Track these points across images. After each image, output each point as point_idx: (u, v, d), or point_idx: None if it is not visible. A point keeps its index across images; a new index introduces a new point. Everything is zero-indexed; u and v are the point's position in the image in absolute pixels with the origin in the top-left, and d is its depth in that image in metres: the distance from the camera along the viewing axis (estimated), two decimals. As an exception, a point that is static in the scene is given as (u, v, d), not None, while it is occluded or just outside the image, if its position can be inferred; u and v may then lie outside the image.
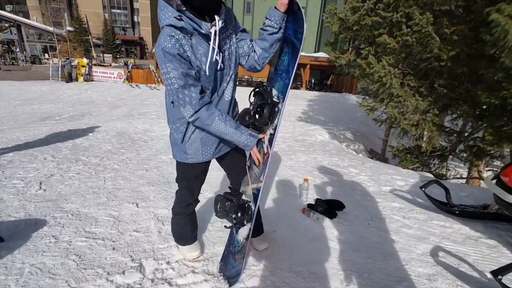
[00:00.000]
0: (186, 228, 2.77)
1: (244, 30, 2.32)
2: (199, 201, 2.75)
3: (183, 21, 1.87)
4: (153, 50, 34.67)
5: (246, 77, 31.70)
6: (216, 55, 2.04)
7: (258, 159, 2.37)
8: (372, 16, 8.78)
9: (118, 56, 56.41)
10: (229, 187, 2.71)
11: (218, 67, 2.12)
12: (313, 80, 33.79)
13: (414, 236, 3.59)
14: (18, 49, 43.60)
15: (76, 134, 7.47)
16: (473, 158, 8.07)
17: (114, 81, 26.33)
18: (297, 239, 3.35)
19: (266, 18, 2.21)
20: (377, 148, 13.54)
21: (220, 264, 2.79)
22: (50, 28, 40.04)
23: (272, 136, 2.41)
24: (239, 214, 2.34)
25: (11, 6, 41.39)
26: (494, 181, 3.51)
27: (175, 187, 4.43)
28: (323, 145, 9.58)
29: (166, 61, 1.92)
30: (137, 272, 2.63)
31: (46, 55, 48.28)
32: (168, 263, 2.78)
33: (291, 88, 2.29)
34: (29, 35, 48.39)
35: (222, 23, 2.00)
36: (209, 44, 2.00)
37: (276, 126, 2.37)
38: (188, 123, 2.25)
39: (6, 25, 37.06)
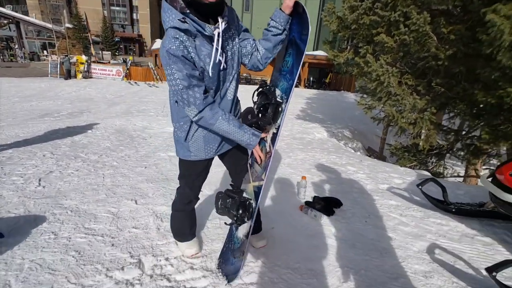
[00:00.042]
0: (185, 225, 2.80)
1: (246, 30, 2.35)
2: (199, 198, 2.77)
3: (187, 23, 1.90)
4: (152, 48, 34.68)
5: (244, 74, 31.72)
6: (219, 55, 2.06)
7: (260, 157, 2.39)
8: (370, 15, 8.80)
9: (117, 54, 56.19)
10: (231, 185, 2.74)
11: (221, 67, 2.14)
12: (311, 78, 33.81)
13: (410, 234, 3.61)
14: (16, 46, 43.50)
15: (75, 131, 7.47)
16: (470, 157, 8.11)
17: (113, 78, 26.28)
18: (295, 236, 3.38)
19: (271, 19, 2.23)
20: (375, 146, 13.56)
21: (218, 261, 2.81)
22: (49, 25, 39.95)
23: (274, 136, 2.43)
24: (240, 212, 2.36)
25: (11, 6, 41.21)
26: (490, 179, 3.54)
27: (174, 184, 4.47)
28: (321, 143, 9.59)
29: (171, 62, 1.94)
30: (136, 268, 2.65)
31: (45, 52, 48.20)
32: (166, 259, 2.80)
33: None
34: (28, 32, 48.29)
35: (225, 24, 2.02)
36: (213, 45, 2.02)
37: (279, 126, 2.40)
38: (192, 121, 2.27)
39: (5, 21, 36.98)
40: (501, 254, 3.27)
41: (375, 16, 8.54)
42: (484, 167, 8.98)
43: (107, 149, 6.23)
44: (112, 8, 65.43)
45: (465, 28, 6.31)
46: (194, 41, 1.99)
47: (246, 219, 2.42)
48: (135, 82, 25.65)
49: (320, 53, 30.42)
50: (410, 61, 8.79)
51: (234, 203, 2.38)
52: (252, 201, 2.50)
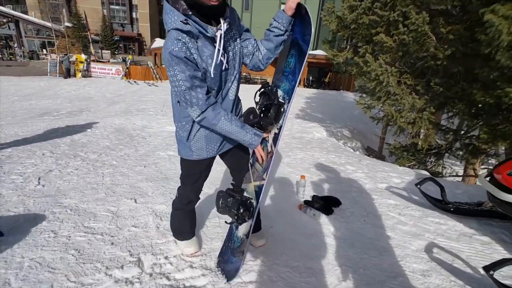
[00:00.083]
0: (185, 224, 2.81)
1: (247, 30, 2.36)
2: (199, 198, 2.79)
3: (189, 25, 1.91)
4: (151, 47, 34.65)
5: (244, 74, 31.71)
6: (221, 56, 2.08)
7: (262, 157, 2.40)
8: (370, 15, 8.78)
9: (116, 52, 56.23)
10: (232, 184, 2.76)
11: (223, 67, 2.15)
12: (311, 78, 33.80)
13: (409, 233, 3.63)
14: (16, 45, 43.44)
15: (74, 130, 7.47)
16: (468, 156, 8.12)
17: (112, 77, 26.26)
18: (294, 235, 3.39)
19: (274, 20, 2.26)
20: (374, 145, 13.59)
21: (218, 259, 2.82)
22: (49, 24, 39.89)
23: (276, 136, 2.45)
24: (241, 211, 2.37)
25: (11, 6, 41.18)
26: (488, 178, 3.56)
27: (173, 183, 4.48)
28: (321, 143, 9.61)
29: (174, 64, 1.95)
30: (135, 266, 2.66)
31: (44, 50, 48.16)
32: (166, 258, 2.81)
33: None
34: (27, 31, 48.26)
35: (227, 25, 2.04)
36: (215, 46, 2.04)
37: (281, 126, 2.41)
38: (193, 121, 2.29)
39: (4, 20, 36.94)
40: (498, 253, 3.28)
41: (374, 15, 8.53)
42: (482, 166, 9.00)
43: (106, 148, 6.24)
44: (112, 7, 65.46)
45: (463, 28, 6.31)
46: (196, 42, 2.00)
47: (246, 218, 2.43)
48: (135, 81, 25.65)
49: (319, 52, 30.41)
50: (409, 60, 8.80)
51: (235, 202, 2.39)
52: (253, 201, 2.51)
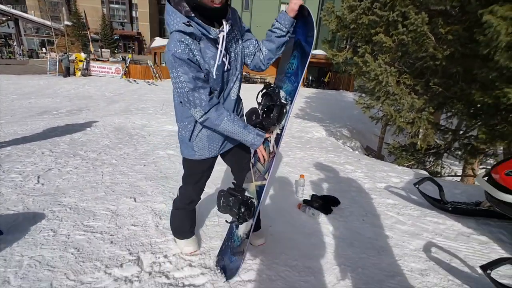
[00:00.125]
0: (185, 223, 2.83)
1: (248, 30, 2.37)
2: (200, 198, 2.80)
3: (192, 26, 1.92)
4: (151, 46, 34.62)
5: (244, 73, 31.61)
6: (223, 57, 2.09)
7: (264, 157, 2.41)
8: (369, 15, 8.81)
9: (116, 51, 56.24)
10: (233, 183, 2.78)
11: (225, 68, 2.16)
12: (310, 77, 33.84)
13: (407, 232, 3.64)
14: (15, 43, 43.38)
15: (74, 129, 7.47)
16: (467, 156, 8.14)
17: (112, 76, 26.23)
18: (293, 234, 3.40)
19: (276, 21, 2.27)
20: (373, 145, 13.61)
21: (217, 258, 2.83)
22: (48, 22, 39.81)
23: (278, 136, 2.47)
24: (242, 210, 2.37)
25: (11, 6, 41.17)
26: (486, 178, 3.57)
27: (173, 182, 4.48)
28: (320, 142, 9.62)
29: (177, 65, 1.96)
30: (134, 265, 2.67)
31: (44, 49, 48.09)
32: (165, 256, 2.81)
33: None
34: (27, 29, 48.21)
35: (229, 27, 2.05)
36: (217, 48, 2.05)
37: (283, 127, 2.43)
38: (196, 121, 2.30)
39: (4, 18, 36.90)
40: (496, 252, 3.30)
41: (373, 16, 8.55)
42: (481, 166, 9.02)
43: (106, 147, 6.24)
44: (112, 5, 65.44)
45: (462, 28, 6.33)
46: (199, 44, 2.01)
47: (247, 218, 2.44)
48: (134, 80, 25.61)
49: (319, 52, 30.38)
50: (408, 61, 8.82)
51: (236, 201, 2.40)
52: (254, 200, 2.52)
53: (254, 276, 2.63)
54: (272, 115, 2.36)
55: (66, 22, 44.02)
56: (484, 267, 2.52)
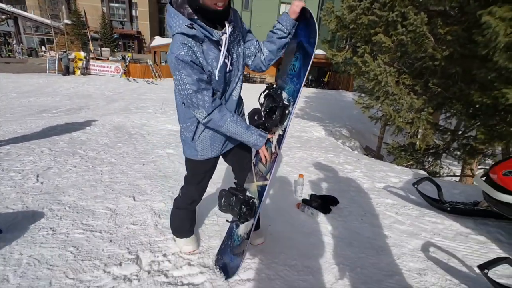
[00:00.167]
0: (185, 222, 2.83)
1: (249, 31, 2.39)
2: (202, 198, 2.81)
3: (195, 29, 1.93)
4: (151, 45, 34.59)
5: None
6: (225, 58, 2.10)
7: (266, 157, 2.42)
8: (369, 15, 8.82)
9: (115, 50, 56.21)
10: (235, 183, 2.79)
11: (227, 69, 2.17)
12: (310, 77, 33.83)
13: (406, 232, 3.65)
14: (14, 42, 43.31)
15: (73, 128, 7.46)
16: (466, 156, 8.16)
17: (112, 75, 26.23)
18: (292, 233, 3.41)
19: (278, 22, 2.29)
20: (372, 145, 13.62)
21: (216, 257, 2.84)
22: (48, 21, 39.72)
23: (281, 137, 2.48)
24: (244, 210, 2.39)
25: (11, 6, 41.06)
26: (484, 178, 3.58)
27: (172, 181, 4.49)
28: (319, 142, 9.62)
29: (180, 68, 1.97)
30: (133, 264, 2.67)
31: (43, 47, 48.04)
32: (164, 255, 2.82)
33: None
34: (26, 28, 48.08)
35: (231, 29, 2.06)
36: (219, 49, 2.06)
37: (285, 128, 2.45)
38: (198, 122, 2.31)
39: (3, 17, 36.85)
40: (494, 252, 3.31)
41: (373, 16, 8.56)
42: (479, 166, 9.03)
43: (105, 145, 6.24)
44: (111, 4, 65.38)
45: (461, 29, 6.35)
46: (202, 45, 2.02)
47: (249, 218, 2.45)
48: (134, 79, 25.63)
49: (318, 52, 30.32)
50: (408, 61, 8.83)
51: (238, 201, 2.41)
52: (255, 200, 2.53)
53: (253, 275, 2.64)
54: (274, 116, 2.38)
55: (66, 21, 43.95)
56: (481, 267, 2.53)
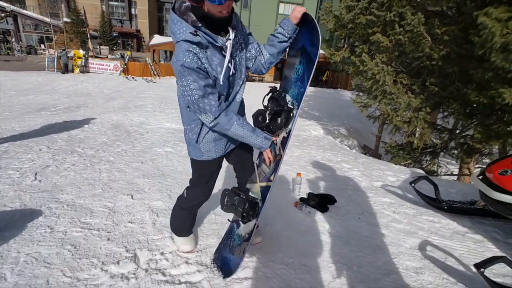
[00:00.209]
0: (186, 222, 2.83)
1: (250, 34, 2.40)
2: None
3: (199, 36, 1.95)
4: (150, 43, 34.53)
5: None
6: (229, 62, 2.12)
7: (269, 159, 2.45)
8: (366, 14, 8.87)
9: (114, 48, 56.02)
10: (238, 183, 2.82)
11: (230, 73, 2.19)
12: (308, 76, 33.80)
13: (403, 231, 3.66)
14: (14, 39, 43.22)
15: (72, 126, 7.45)
16: (463, 155, 8.18)
17: (110, 73, 26.19)
18: (289, 232, 3.41)
19: (280, 26, 2.33)
20: (370, 144, 13.63)
21: (214, 256, 2.84)
22: (47, 19, 39.67)
23: (285, 140, 2.50)
24: (248, 210, 2.40)
25: (11, 4, 40.93)
26: (480, 177, 3.59)
27: (170, 179, 4.50)
28: (317, 140, 9.63)
29: (186, 74, 1.98)
30: (131, 262, 2.68)
31: (42, 45, 47.93)
32: (162, 254, 2.83)
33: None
34: (26, 26, 47.96)
35: (234, 34, 2.09)
36: (223, 54, 2.09)
37: (289, 131, 2.46)
38: (202, 124, 2.32)
39: (2, 15, 36.75)
40: (491, 251, 3.33)
41: (371, 16, 8.62)
42: (477, 165, 9.05)
43: (103, 144, 6.24)
44: (111, 3, 65.18)
45: (458, 29, 6.38)
46: (206, 52, 2.04)
47: (251, 218, 2.46)
48: (133, 77, 25.58)
49: (317, 51, 30.42)
50: (405, 60, 8.87)
51: (241, 201, 2.42)
52: (258, 201, 2.54)
53: (250, 273, 2.65)
54: (279, 119, 2.42)
55: (65, 19, 43.85)
56: (477, 266, 2.54)
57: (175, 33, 1.99)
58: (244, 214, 2.39)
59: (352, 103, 10.87)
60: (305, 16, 2.25)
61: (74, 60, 25.35)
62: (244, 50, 2.32)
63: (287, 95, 2.55)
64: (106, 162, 5.15)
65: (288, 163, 6.03)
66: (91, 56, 28.34)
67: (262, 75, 32.29)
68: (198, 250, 2.92)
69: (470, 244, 3.42)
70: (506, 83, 5.23)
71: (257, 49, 2.43)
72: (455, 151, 8.44)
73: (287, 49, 2.53)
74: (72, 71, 25.11)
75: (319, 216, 3.83)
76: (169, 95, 16.57)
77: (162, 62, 31.60)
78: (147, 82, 24.18)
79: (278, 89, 2.62)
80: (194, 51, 1.97)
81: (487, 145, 6.77)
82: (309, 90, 27.89)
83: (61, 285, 2.35)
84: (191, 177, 2.72)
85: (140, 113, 10.23)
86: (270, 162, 2.47)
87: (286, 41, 2.35)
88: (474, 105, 6.61)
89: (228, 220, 2.66)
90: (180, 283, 2.49)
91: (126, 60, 27.42)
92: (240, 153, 2.71)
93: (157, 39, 34.37)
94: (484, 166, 3.81)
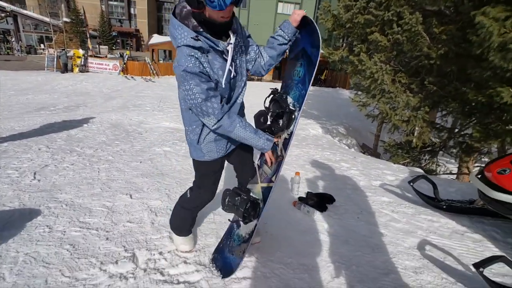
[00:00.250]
0: (186, 222, 2.84)
1: (249, 36, 2.41)
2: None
3: (200, 41, 1.96)
4: (149, 42, 34.50)
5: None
6: (230, 66, 2.13)
7: (271, 160, 2.46)
8: (365, 14, 8.88)
9: (114, 48, 55.93)
10: (239, 183, 2.83)
11: (232, 76, 2.20)
12: (307, 75, 33.80)
13: (402, 230, 3.66)
14: (13, 39, 43.17)
15: (71, 125, 7.46)
16: (462, 154, 8.19)
17: (110, 73, 26.14)
18: (288, 231, 3.42)
19: (280, 28, 2.36)
20: (369, 143, 13.62)
21: (213, 256, 2.84)
22: (47, 19, 39.61)
23: (287, 141, 2.50)
24: (249, 210, 2.41)
25: (11, 4, 40.87)
26: (479, 176, 3.59)
27: (169, 179, 4.49)
28: (316, 139, 9.64)
29: (188, 78, 2.00)
30: (130, 262, 2.68)
31: (42, 45, 47.87)
32: (160, 253, 2.83)
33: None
34: (25, 25, 47.88)
35: (235, 38, 2.10)
36: (224, 58, 2.10)
37: (291, 132, 2.47)
38: (203, 125, 2.32)
39: (3, 15, 36.70)
40: (490, 250, 3.33)
41: (369, 15, 8.63)
42: (476, 164, 9.05)
43: (102, 143, 6.24)
44: (110, 2, 65.20)
45: (456, 28, 6.39)
46: (207, 56, 2.05)
47: (253, 218, 2.46)
48: (132, 77, 25.53)
49: (316, 50, 30.39)
50: (404, 59, 8.90)
51: (243, 201, 2.42)
52: (259, 201, 2.55)
53: (249, 273, 2.65)
54: (281, 121, 2.44)
55: (65, 19, 43.76)
56: (476, 265, 2.54)
57: (176, 38, 1.99)
58: (245, 214, 2.40)
59: (350, 102, 10.87)
60: (304, 19, 2.28)
61: (73, 59, 25.33)
62: (244, 53, 2.33)
63: (288, 96, 2.56)
64: (105, 161, 5.15)
65: (286, 162, 6.02)
66: (91, 56, 28.29)
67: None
68: (197, 250, 2.93)
69: (469, 244, 3.42)
70: (504, 82, 5.25)
71: (257, 51, 2.44)
72: (454, 150, 8.46)
73: (288, 51, 2.54)
74: (72, 70, 25.08)
75: (317, 215, 3.83)
76: (168, 94, 16.55)
77: (161, 62, 31.57)
78: (146, 81, 24.14)
79: (279, 90, 2.63)
80: (196, 56, 1.98)
81: (486, 144, 6.77)
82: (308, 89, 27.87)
83: (60, 284, 2.35)
84: (194, 178, 2.71)
85: (139, 113, 10.23)
86: (271, 163, 2.48)
87: (285, 44, 2.37)
88: (473, 104, 6.62)
89: (229, 220, 2.66)
90: (178, 282, 2.49)
91: (125, 59, 27.37)
92: (241, 153, 2.72)
93: (156, 38, 34.32)
94: (483, 165, 3.81)
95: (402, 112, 8.09)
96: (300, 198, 4.24)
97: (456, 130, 8.48)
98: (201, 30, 1.97)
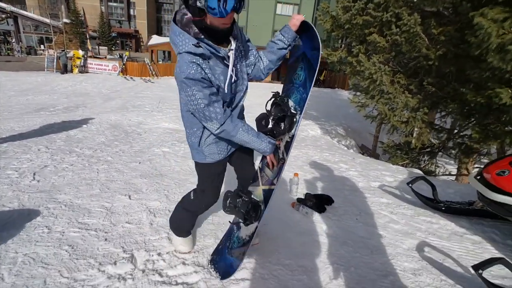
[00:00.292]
0: (187, 223, 2.84)
1: (248, 40, 2.42)
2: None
3: (202, 47, 1.96)
4: (148, 43, 34.51)
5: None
6: (231, 71, 2.14)
7: (273, 163, 2.47)
8: (363, 15, 8.90)
9: (113, 49, 55.95)
10: (239, 185, 2.84)
11: (232, 80, 2.21)
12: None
13: (401, 231, 3.66)
14: (14, 40, 43.16)
15: (70, 126, 7.45)
16: (461, 155, 8.19)
17: (109, 73, 26.15)
18: (286, 232, 3.41)
19: (280, 33, 2.38)
20: (368, 144, 13.62)
21: (212, 257, 2.84)
22: (47, 20, 39.59)
23: (288, 144, 2.51)
24: (251, 212, 2.41)
25: (11, 5, 40.87)
26: (478, 178, 3.59)
27: (168, 179, 4.49)
28: (315, 140, 9.64)
29: (191, 85, 2.00)
30: (128, 263, 2.68)
31: (42, 46, 47.88)
32: (159, 254, 2.82)
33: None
34: (26, 27, 47.84)
35: (235, 43, 2.11)
36: (225, 63, 2.11)
37: (293, 135, 2.49)
38: (204, 127, 2.32)
39: (3, 16, 36.68)
40: (489, 252, 3.33)
41: (367, 16, 8.65)
42: (475, 165, 9.06)
43: (102, 144, 6.24)
44: (110, 4, 65.32)
45: (454, 29, 6.40)
46: (208, 62, 2.05)
47: (253, 221, 2.47)
48: (131, 78, 25.54)
49: (315, 51, 30.42)
50: (402, 60, 8.91)
51: (244, 203, 2.42)
52: (261, 204, 2.55)
53: (247, 274, 2.65)
54: (283, 124, 2.45)
55: (65, 20, 43.77)
56: (476, 267, 2.54)
57: (177, 45, 2.00)
58: (246, 216, 2.40)
59: (349, 103, 10.86)
60: (304, 24, 2.29)
61: (73, 60, 25.33)
62: (244, 57, 2.35)
63: (289, 100, 2.56)
64: (104, 162, 5.15)
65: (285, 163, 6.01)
66: (90, 57, 28.31)
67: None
68: (195, 251, 2.92)
69: (468, 245, 3.42)
70: (503, 83, 5.26)
71: (256, 56, 2.45)
72: (453, 151, 8.46)
73: (288, 55, 2.56)
74: (71, 71, 25.09)
75: (316, 216, 3.83)
76: (167, 95, 16.56)
77: (160, 62, 31.66)
78: (146, 82, 24.16)
79: (280, 94, 2.63)
80: (197, 62, 1.99)
81: (485, 145, 6.78)
82: (308, 90, 27.89)
83: (58, 285, 2.35)
84: (196, 181, 2.70)
85: (138, 113, 10.23)
86: (273, 166, 2.49)
87: (285, 48, 2.39)
88: (472, 105, 6.62)
89: (229, 221, 2.66)
90: (177, 284, 2.49)
91: (125, 60, 27.38)
92: (241, 155, 2.72)
93: (156, 39, 34.41)
94: (482, 166, 3.81)
95: (401, 113, 8.10)
96: (299, 199, 4.24)
97: (455, 131, 8.49)
98: (202, 37, 1.99)
